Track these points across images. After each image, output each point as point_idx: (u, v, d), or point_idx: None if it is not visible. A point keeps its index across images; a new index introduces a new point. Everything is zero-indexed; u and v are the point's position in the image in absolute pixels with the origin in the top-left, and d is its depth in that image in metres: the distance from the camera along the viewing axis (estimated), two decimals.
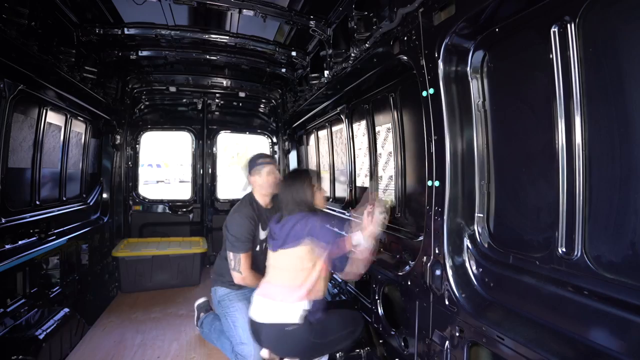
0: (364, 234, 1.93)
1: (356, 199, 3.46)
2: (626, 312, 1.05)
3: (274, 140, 5.44)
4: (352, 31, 2.44)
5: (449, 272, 1.64)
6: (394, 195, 2.72)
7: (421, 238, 1.88)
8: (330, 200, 4.00)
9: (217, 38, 3.36)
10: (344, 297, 3.09)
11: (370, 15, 2.35)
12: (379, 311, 2.38)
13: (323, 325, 2.08)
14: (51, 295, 2.78)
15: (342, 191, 3.82)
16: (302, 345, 2.06)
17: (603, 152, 1.16)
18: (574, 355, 1.17)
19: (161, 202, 5.04)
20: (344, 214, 3.42)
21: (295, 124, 4.73)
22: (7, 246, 2.32)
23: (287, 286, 2.07)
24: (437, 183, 1.71)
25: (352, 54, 2.52)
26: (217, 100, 5.08)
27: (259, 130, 5.47)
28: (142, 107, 4.86)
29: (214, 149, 5.22)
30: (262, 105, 5.31)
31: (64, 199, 3.35)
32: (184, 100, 5.00)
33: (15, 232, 2.45)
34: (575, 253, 1.22)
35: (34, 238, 2.62)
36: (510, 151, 1.55)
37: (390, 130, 2.73)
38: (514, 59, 1.48)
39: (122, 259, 3.99)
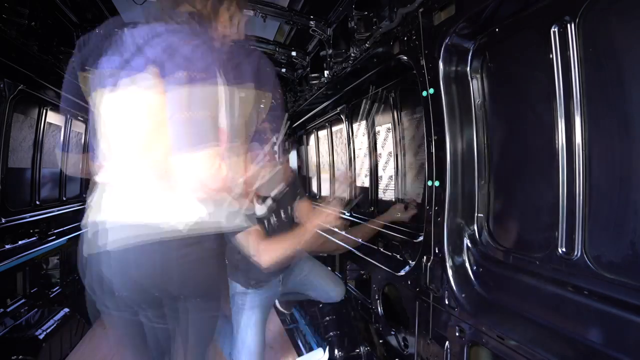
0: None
1: (356, 198, 3.46)
2: (626, 312, 1.05)
3: (274, 139, 5.42)
4: (352, 31, 2.44)
5: (449, 272, 1.64)
6: (393, 195, 2.72)
7: (421, 238, 1.88)
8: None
9: None
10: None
11: (370, 15, 2.35)
12: (379, 311, 2.38)
13: None
14: (51, 295, 2.78)
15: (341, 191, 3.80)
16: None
17: (603, 152, 1.16)
18: (574, 355, 1.16)
19: None
20: (343, 213, 3.41)
21: (295, 124, 4.72)
22: (7, 246, 2.32)
23: None
24: (437, 183, 1.71)
25: (352, 54, 2.52)
26: None
27: None
28: None
29: None
30: None
31: (64, 199, 3.35)
32: None
33: (15, 232, 2.45)
34: (576, 253, 1.22)
35: (34, 238, 2.62)
36: (510, 151, 1.55)
37: (390, 130, 2.73)
38: (514, 59, 1.48)
39: None
